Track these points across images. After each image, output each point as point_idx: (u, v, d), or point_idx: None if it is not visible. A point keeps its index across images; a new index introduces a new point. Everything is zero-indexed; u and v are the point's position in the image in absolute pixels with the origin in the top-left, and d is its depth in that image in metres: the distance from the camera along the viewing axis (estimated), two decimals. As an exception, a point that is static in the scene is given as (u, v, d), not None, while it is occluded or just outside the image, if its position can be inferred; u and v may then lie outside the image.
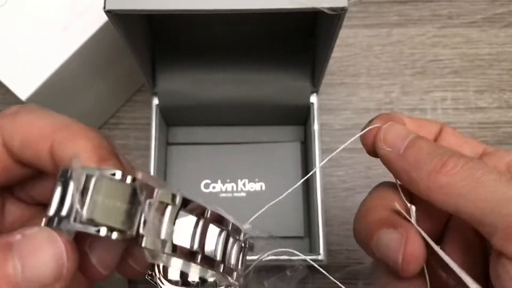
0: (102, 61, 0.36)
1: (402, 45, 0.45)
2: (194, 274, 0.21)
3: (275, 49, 0.38)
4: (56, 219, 0.16)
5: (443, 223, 0.23)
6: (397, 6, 0.46)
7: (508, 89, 0.44)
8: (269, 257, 0.37)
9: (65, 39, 0.32)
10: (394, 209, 0.21)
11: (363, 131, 0.23)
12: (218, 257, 0.19)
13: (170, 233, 0.17)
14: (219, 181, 0.41)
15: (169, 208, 0.17)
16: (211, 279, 0.22)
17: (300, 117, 0.41)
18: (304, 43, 0.38)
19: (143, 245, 0.16)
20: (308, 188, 0.40)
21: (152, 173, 0.37)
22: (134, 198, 0.16)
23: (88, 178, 0.15)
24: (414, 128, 0.23)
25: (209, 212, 0.18)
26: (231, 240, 0.20)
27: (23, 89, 0.31)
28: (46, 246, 0.15)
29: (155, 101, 0.38)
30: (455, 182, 0.18)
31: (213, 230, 0.19)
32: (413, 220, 0.21)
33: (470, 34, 0.46)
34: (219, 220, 0.19)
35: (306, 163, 0.41)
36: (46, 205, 0.22)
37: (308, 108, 0.39)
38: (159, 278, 0.22)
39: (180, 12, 0.25)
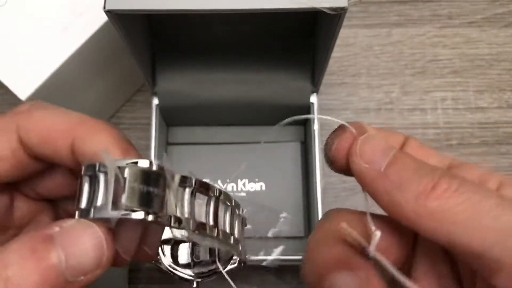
0: (102, 61, 0.36)
1: (402, 45, 0.45)
2: (186, 249, 0.24)
3: (275, 49, 0.38)
4: (92, 210, 0.17)
5: (409, 251, 0.20)
6: (397, 6, 0.46)
7: (508, 89, 0.44)
8: (270, 257, 0.37)
9: (65, 39, 0.32)
10: (345, 236, 0.18)
11: (334, 135, 0.20)
12: (228, 229, 0.20)
13: (192, 211, 0.19)
14: (219, 181, 0.41)
15: (187, 190, 0.19)
16: (211, 257, 0.23)
17: (300, 117, 0.41)
18: (304, 43, 0.38)
19: (172, 224, 0.18)
20: (308, 188, 0.40)
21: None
22: (161, 182, 0.17)
23: (121, 169, 0.17)
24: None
25: (218, 190, 0.20)
26: (235, 215, 0.21)
27: (23, 89, 0.31)
28: (87, 236, 0.16)
29: (155, 101, 0.38)
30: (450, 208, 0.15)
31: (222, 206, 0.20)
32: (372, 248, 0.17)
33: (470, 34, 0.46)
34: (226, 198, 0.21)
35: (306, 163, 0.41)
36: (50, 200, 0.23)
37: (308, 108, 0.39)
38: (170, 265, 0.23)
39: (180, 12, 0.25)
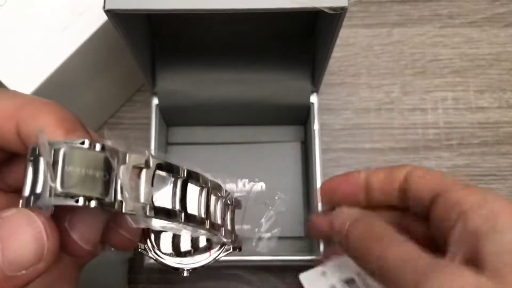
0: (102, 61, 0.36)
1: (402, 45, 0.45)
2: (185, 237, 0.21)
3: (275, 49, 0.38)
4: (32, 198, 0.16)
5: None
6: (397, 6, 0.46)
7: (509, 89, 0.44)
8: (270, 257, 0.37)
9: (65, 39, 0.32)
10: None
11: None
12: (202, 214, 0.19)
13: (149, 195, 0.17)
14: (219, 181, 0.41)
15: (144, 172, 0.17)
16: (203, 244, 0.21)
17: (300, 117, 0.41)
18: (304, 43, 0.38)
19: (123, 211, 0.16)
20: (308, 188, 0.40)
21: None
22: (107, 165, 0.16)
23: (56, 151, 0.15)
24: (379, 178, 0.29)
25: (185, 171, 0.18)
26: (213, 197, 0.20)
27: (23, 89, 0.31)
28: (25, 227, 0.15)
29: (155, 101, 0.38)
30: (353, 235, 0.27)
31: (192, 188, 0.18)
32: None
33: (470, 34, 0.46)
34: (198, 179, 0.19)
35: (306, 163, 0.41)
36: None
37: (308, 108, 0.39)
38: (155, 252, 0.21)
39: (180, 11, 0.25)
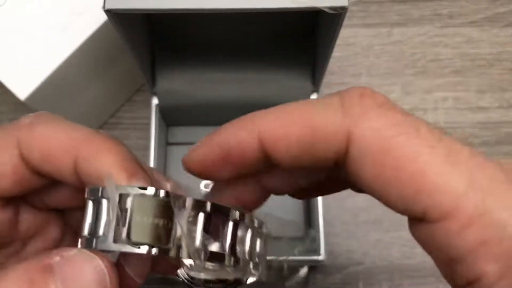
0: (101, 60, 0.36)
1: (403, 44, 0.45)
2: (227, 276, 0.21)
3: (275, 49, 0.38)
4: (94, 240, 0.16)
5: None
6: (397, 6, 0.46)
7: (510, 88, 0.44)
8: (270, 257, 0.37)
9: (64, 38, 0.32)
10: None
11: None
12: (247, 255, 0.19)
13: (204, 241, 0.17)
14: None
15: (200, 216, 0.17)
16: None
17: (300, 117, 0.41)
18: (305, 42, 0.38)
19: (181, 256, 0.16)
20: (308, 188, 0.40)
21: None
22: (168, 211, 0.16)
23: (122, 198, 0.16)
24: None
25: (237, 213, 0.19)
26: (256, 236, 0.20)
27: (22, 89, 0.31)
28: (88, 269, 0.16)
29: (155, 100, 0.38)
30: None
31: (241, 230, 0.19)
32: None
33: (471, 34, 0.46)
34: (246, 219, 0.19)
35: (307, 163, 0.40)
36: (57, 210, 0.22)
37: (308, 108, 0.39)
38: (189, 281, 0.21)
39: (180, 11, 0.25)
